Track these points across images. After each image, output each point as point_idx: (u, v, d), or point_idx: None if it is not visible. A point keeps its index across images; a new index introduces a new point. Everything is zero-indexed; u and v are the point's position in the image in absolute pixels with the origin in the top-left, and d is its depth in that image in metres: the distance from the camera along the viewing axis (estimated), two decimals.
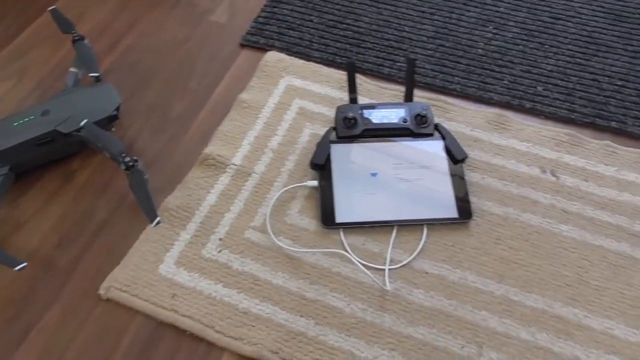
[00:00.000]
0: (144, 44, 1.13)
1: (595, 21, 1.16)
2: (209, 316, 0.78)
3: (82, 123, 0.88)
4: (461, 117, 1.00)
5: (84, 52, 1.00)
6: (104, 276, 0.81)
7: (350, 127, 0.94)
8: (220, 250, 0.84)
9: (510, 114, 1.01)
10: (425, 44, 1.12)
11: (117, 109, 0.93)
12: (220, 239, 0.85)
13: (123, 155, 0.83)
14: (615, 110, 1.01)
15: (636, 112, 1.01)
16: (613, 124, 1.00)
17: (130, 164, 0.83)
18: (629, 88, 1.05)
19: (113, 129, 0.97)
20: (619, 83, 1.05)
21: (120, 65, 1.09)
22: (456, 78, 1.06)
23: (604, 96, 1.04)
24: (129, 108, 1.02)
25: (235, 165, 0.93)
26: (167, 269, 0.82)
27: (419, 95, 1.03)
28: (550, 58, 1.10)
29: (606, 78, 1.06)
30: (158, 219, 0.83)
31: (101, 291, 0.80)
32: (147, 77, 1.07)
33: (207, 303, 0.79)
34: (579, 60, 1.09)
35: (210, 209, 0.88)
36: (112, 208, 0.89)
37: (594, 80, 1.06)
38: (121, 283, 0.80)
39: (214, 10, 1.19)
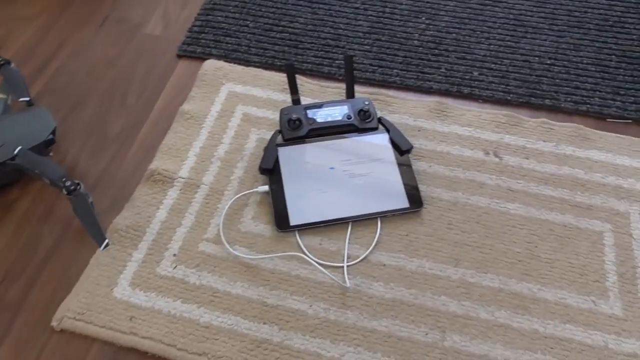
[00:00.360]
0: (74, 64, 1.09)
1: (521, 4, 1.19)
2: (170, 335, 0.75)
3: (16, 151, 0.84)
4: (403, 108, 1.01)
5: (12, 76, 0.95)
6: (56, 306, 0.78)
7: (296, 129, 0.94)
8: (176, 266, 0.82)
9: (450, 101, 1.03)
10: (362, 40, 1.12)
11: (53, 132, 0.90)
12: (174, 255, 0.83)
13: (63, 179, 0.80)
14: (548, 88, 1.05)
15: (567, 89, 1.04)
16: (547, 101, 1.03)
17: (72, 188, 0.80)
18: (558, 66, 1.08)
19: (51, 154, 0.93)
20: (548, 62, 1.09)
21: (51, 88, 1.04)
22: (395, 70, 1.07)
23: (536, 76, 1.07)
24: (66, 131, 0.98)
25: (183, 178, 0.91)
26: (122, 292, 0.79)
27: (360, 90, 1.03)
28: (482, 43, 1.12)
29: (536, 58, 1.09)
30: (106, 241, 0.80)
31: (54, 322, 0.76)
32: (81, 97, 1.03)
33: (167, 321, 0.76)
34: (509, 43, 1.12)
35: (162, 225, 0.86)
36: (57, 235, 0.85)
37: (525, 61, 1.09)
38: (74, 312, 0.77)
39: (146, 23, 1.16)
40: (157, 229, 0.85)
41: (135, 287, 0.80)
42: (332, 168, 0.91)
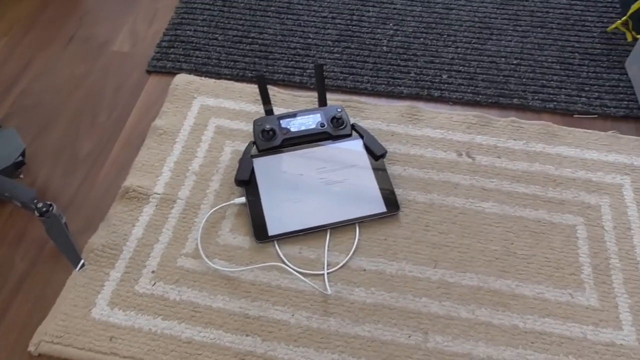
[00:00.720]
0: (41, 84, 1.07)
1: (485, 7, 1.22)
2: (152, 353, 0.74)
3: None
4: (375, 114, 1.02)
5: None
6: (32, 331, 0.76)
7: (270, 139, 0.94)
8: (154, 283, 0.81)
9: (421, 105, 1.04)
10: (332, 48, 1.13)
11: (23, 154, 0.88)
12: (152, 272, 0.82)
13: (35, 201, 0.78)
14: (515, 88, 1.06)
15: (534, 87, 1.06)
16: (515, 100, 1.04)
17: (44, 209, 0.78)
18: (524, 65, 1.10)
19: (21, 176, 0.91)
20: (514, 62, 1.11)
21: (18, 109, 1.03)
22: (365, 77, 1.08)
23: (503, 76, 1.08)
24: (36, 152, 0.96)
25: (158, 194, 0.90)
26: (100, 312, 0.78)
27: (332, 98, 1.04)
28: (449, 47, 1.14)
29: (502, 59, 1.11)
30: (82, 261, 0.79)
31: (31, 347, 0.74)
32: (50, 117, 1.02)
33: (148, 339, 0.75)
34: (475, 45, 1.14)
35: (138, 243, 0.85)
36: (31, 258, 0.83)
37: (492, 62, 1.11)
38: (52, 335, 0.75)
39: (113, 41, 1.15)
40: (134, 247, 0.84)
41: (114, 307, 0.78)
42: (307, 176, 0.90)
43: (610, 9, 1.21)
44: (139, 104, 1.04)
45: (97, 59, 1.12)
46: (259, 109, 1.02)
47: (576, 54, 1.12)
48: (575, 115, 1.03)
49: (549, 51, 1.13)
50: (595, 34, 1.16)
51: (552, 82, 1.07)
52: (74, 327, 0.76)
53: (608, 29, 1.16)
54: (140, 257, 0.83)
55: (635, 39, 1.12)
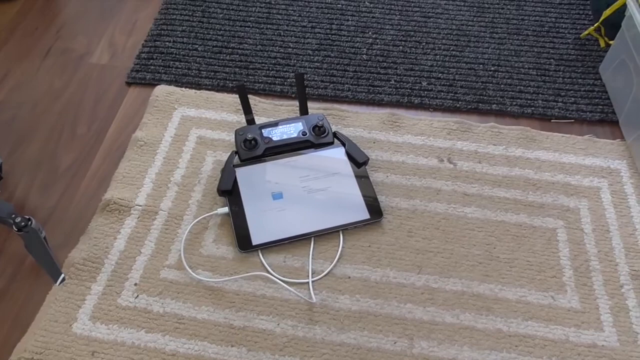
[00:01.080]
0: (18, 98, 1.05)
1: (462, 15, 1.23)
2: None
3: None
4: (357, 121, 1.02)
5: None
6: (11, 348, 0.74)
7: (252, 149, 0.93)
8: (137, 296, 0.79)
9: (401, 112, 1.05)
10: (312, 57, 1.13)
11: None
12: (135, 284, 0.81)
13: (13, 216, 0.77)
14: (494, 94, 1.08)
15: (512, 93, 1.08)
16: (494, 106, 1.06)
17: (23, 224, 0.77)
18: (501, 72, 1.12)
19: None
20: (492, 69, 1.12)
21: None
22: (346, 85, 1.08)
23: (482, 82, 1.10)
24: (12, 166, 0.95)
25: (140, 205, 0.89)
26: (81, 327, 0.76)
27: (314, 107, 1.04)
28: (428, 54, 1.15)
29: (480, 66, 1.13)
30: (62, 276, 0.77)
31: None
32: (27, 131, 1.00)
33: (132, 353, 0.74)
34: (454, 52, 1.15)
35: (120, 255, 0.84)
36: (10, 274, 0.82)
37: (470, 69, 1.12)
38: (31, 352, 0.73)
39: (91, 53, 1.14)
40: (116, 260, 0.83)
41: (96, 321, 0.77)
42: (290, 185, 0.90)
43: (583, 15, 1.23)
44: (119, 115, 1.03)
45: (75, 71, 1.11)
46: (240, 119, 1.02)
47: (552, 60, 1.14)
48: (552, 120, 1.04)
49: (525, 57, 1.14)
50: (569, 40, 1.18)
51: (529, 88, 1.09)
52: (54, 342, 0.75)
53: (581, 35, 1.18)
54: (123, 270, 0.82)
55: (607, 45, 1.15)
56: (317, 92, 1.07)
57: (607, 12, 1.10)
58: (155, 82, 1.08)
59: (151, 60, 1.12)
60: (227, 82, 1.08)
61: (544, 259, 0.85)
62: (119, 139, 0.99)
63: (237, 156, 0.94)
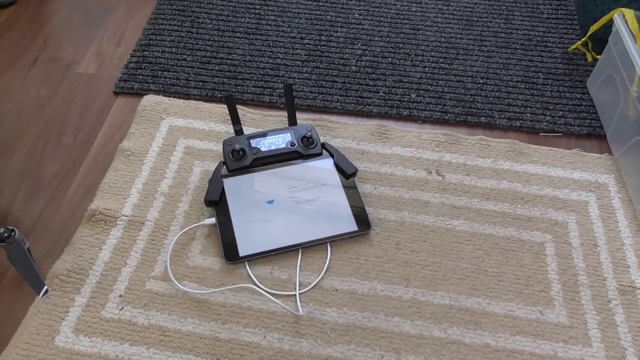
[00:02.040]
0: (3, 107, 1.05)
1: (450, 28, 1.24)
2: None
3: None
4: (345, 132, 1.03)
5: None
6: None
7: (240, 159, 0.93)
8: (122, 308, 0.79)
9: (390, 123, 1.05)
10: (301, 68, 1.14)
11: None
12: (120, 296, 0.80)
13: None
14: (483, 107, 1.09)
15: (500, 106, 1.09)
16: (483, 119, 1.07)
17: (6, 235, 0.76)
18: (490, 85, 1.13)
19: None
20: (481, 81, 1.13)
21: None
22: (335, 96, 1.09)
23: (471, 95, 1.11)
24: None
25: (126, 216, 0.89)
26: (64, 340, 0.75)
27: (302, 117, 1.04)
28: (417, 66, 1.16)
29: (469, 78, 1.14)
30: (45, 288, 0.76)
31: None
32: (12, 141, 0.99)
33: None
34: (442, 65, 1.16)
35: (105, 267, 0.83)
36: None
37: (459, 81, 1.13)
38: None
39: (79, 62, 1.14)
40: (101, 271, 0.82)
41: (79, 334, 0.76)
42: (278, 196, 0.90)
43: (571, 30, 1.25)
44: (106, 125, 1.03)
45: (62, 81, 1.10)
46: (228, 129, 1.02)
47: (540, 73, 1.15)
48: (540, 134, 1.06)
49: (513, 71, 1.16)
50: (557, 54, 1.19)
51: (517, 101, 1.10)
52: (36, 356, 0.74)
53: (569, 50, 1.20)
54: (107, 281, 0.81)
55: (595, 60, 1.16)
56: (305, 103, 1.08)
57: (594, 27, 1.11)
58: (143, 91, 1.08)
59: (139, 70, 1.12)
60: (216, 92, 1.08)
61: (532, 273, 0.85)
62: (105, 149, 0.99)
63: (224, 166, 0.94)
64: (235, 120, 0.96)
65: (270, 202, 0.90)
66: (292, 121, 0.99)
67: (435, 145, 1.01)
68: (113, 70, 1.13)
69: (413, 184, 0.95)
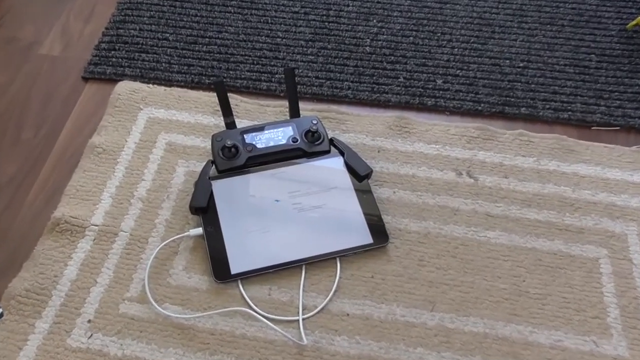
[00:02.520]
0: None
1: (484, 1, 1.24)
2: None
3: None
4: (359, 126, 1.03)
5: None
6: None
7: (232, 158, 0.93)
8: (91, 335, 0.79)
9: (412, 115, 1.05)
10: (305, 49, 1.14)
11: None
12: (89, 321, 0.80)
13: None
14: (523, 95, 1.08)
15: (545, 94, 1.08)
16: (523, 110, 1.06)
17: None
18: (532, 69, 1.12)
19: None
20: (521, 65, 1.13)
21: None
22: (346, 83, 1.09)
23: (509, 81, 1.10)
24: None
25: (96, 225, 0.89)
26: None
27: (307, 108, 1.04)
28: (444, 47, 1.15)
29: (507, 61, 1.13)
30: (0, 311, 0.77)
31: None
32: None
33: None
34: (475, 45, 1.16)
35: (72, 286, 0.83)
36: None
37: (494, 65, 1.13)
38: None
39: (41, 42, 1.15)
40: (67, 291, 0.83)
41: None
42: (277, 201, 0.90)
43: (630, 3, 1.24)
44: (73, 117, 1.03)
45: (22, 65, 1.11)
46: (218, 122, 1.02)
47: (592, 55, 1.15)
48: (593, 127, 1.05)
49: (560, 52, 1.15)
50: (613, 32, 1.19)
51: (565, 89, 1.09)
52: None
53: (628, 26, 1.19)
54: (74, 304, 0.82)
55: None
56: (310, 91, 1.08)
57: None
58: (117, 77, 1.08)
59: (113, 52, 1.12)
60: (203, 77, 1.09)
61: (584, 296, 0.84)
62: (72, 145, 0.99)
63: (213, 167, 0.94)
64: (227, 111, 0.96)
65: (268, 209, 0.90)
66: (295, 112, 0.99)
67: (466, 142, 1.01)
68: (81, 51, 1.13)
69: (439, 187, 0.95)
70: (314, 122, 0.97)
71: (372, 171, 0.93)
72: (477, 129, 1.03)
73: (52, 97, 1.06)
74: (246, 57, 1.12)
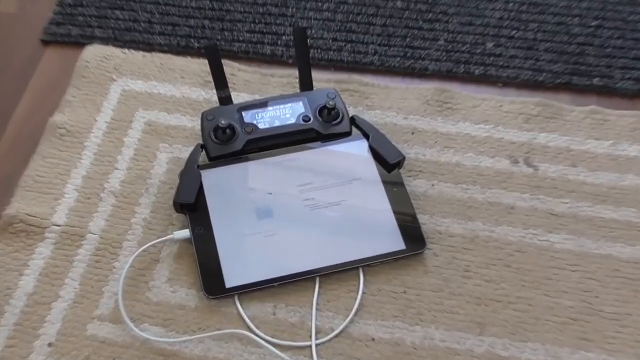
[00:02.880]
0: None
1: None
2: None
3: None
4: (387, 101, 1.02)
5: None
6: None
7: (227, 141, 0.93)
8: None
9: (455, 87, 1.05)
10: (319, 4, 1.14)
11: None
12: (49, 345, 0.80)
13: None
14: (596, 62, 1.07)
15: (624, 61, 1.07)
16: (596, 80, 1.05)
17: None
18: (607, 28, 1.11)
19: None
20: (593, 23, 1.12)
21: None
22: (371, 46, 1.09)
23: (578, 44, 1.09)
24: None
25: (58, 226, 0.89)
26: None
27: (322, 78, 1.04)
28: (496, 1, 1.15)
29: (576, 18, 1.12)
30: None
31: None
32: None
33: None
34: None
35: (29, 301, 0.83)
36: None
37: (559, 23, 1.12)
38: None
39: None
40: (22, 307, 0.83)
41: None
42: (284, 197, 0.90)
43: None
44: (30, 90, 1.04)
45: None
46: (210, 96, 1.02)
47: None
48: None
49: None
50: None
51: None
52: None
53: None
54: (31, 323, 0.82)
55: None
56: (326, 57, 1.08)
57: None
58: (84, 40, 1.09)
59: (79, 8, 1.13)
60: (192, 40, 1.09)
61: None
62: (28, 125, 1.00)
63: (204, 152, 0.94)
64: (221, 82, 0.96)
65: (272, 206, 0.90)
66: (307, 84, 0.98)
67: (523, 121, 1.00)
68: (41, 8, 1.14)
69: (490, 179, 0.95)
70: (332, 96, 0.96)
71: (404, 158, 0.93)
72: (538, 105, 1.02)
73: (5, 65, 1.07)
74: (245, 15, 1.12)
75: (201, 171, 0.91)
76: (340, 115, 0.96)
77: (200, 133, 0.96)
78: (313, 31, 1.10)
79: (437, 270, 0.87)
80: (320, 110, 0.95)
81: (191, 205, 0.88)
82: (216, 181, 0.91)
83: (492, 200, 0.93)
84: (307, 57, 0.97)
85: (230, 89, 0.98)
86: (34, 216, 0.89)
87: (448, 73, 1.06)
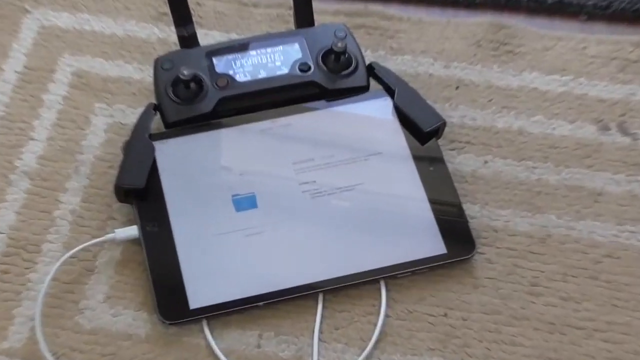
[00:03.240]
0: None
1: None
2: None
3: None
4: (421, 42, 1.03)
5: None
6: None
7: (191, 100, 0.93)
8: None
9: (517, 22, 1.05)
10: None
11: None
12: None
13: None
14: None
15: None
16: None
17: None
18: None
19: None
20: None
21: None
22: None
23: None
24: None
25: None
26: None
27: (327, 10, 1.05)
28: None
29: None
30: None
31: None
32: None
33: None
34: None
35: None
36: None
37: None
38: None
39: None
40: None
41: None
42: (273, 179, 0.90)
43: None
44: None
45: None
46: (167, 35, 1.03)
47: None
48: None
49: None
50: None
51: None
52: None
53: None
54: None
55: None
56: None
57: None
58: None
59: None
60: None
61: None
62: None
63: (158, 115, 0.93)
64: (182, 15, 0.95)
65: (256, 192, 0.89)
66: (305, 18, 0.98)
67: (616, 69, 1.01)
68: None
69: (568, 153, 0.95)
70: (340, 34, 0.95)
71: (444, 123, 0.93)
72: (637, 46, 1.02)
73: None
74: None
75: (154, 143, 0.91)
76: (354, 62, 0.95)
77: (152, 88, 0.96)
78: None
79: (491, 284, 0.87)
80: (325, 56, 0.95)
81: (140, 192, 0.88)
82: (176, 157, 0.91)
83: (570, 183, 0.93)
84: None
85: (196, 25, 0.98)
86: None
87: (508, 1, 1.06)
